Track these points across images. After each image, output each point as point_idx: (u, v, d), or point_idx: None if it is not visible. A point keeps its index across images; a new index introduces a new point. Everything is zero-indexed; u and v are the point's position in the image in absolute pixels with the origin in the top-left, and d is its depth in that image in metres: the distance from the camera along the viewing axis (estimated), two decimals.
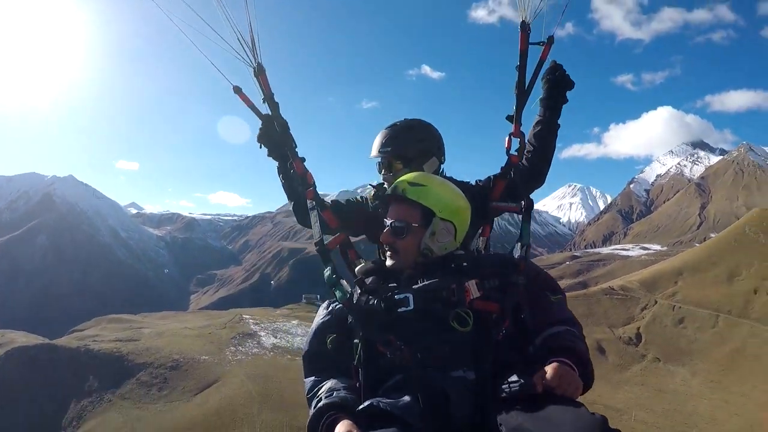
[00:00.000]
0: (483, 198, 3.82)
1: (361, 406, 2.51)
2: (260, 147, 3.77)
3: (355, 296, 3.01)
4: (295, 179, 3.75)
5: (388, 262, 3.14)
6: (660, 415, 76.17)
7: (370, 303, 2.92)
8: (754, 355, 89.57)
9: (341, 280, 3.12)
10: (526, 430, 2.19)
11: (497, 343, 2.74)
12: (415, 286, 2.91)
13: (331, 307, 3.16)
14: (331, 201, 3.99)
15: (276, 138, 3.72)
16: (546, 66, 3.68)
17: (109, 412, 66.00)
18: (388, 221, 3.15)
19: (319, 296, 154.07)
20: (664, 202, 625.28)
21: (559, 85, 3.66)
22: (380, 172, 4.07)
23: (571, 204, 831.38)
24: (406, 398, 2.49)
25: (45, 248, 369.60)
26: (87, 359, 74.24)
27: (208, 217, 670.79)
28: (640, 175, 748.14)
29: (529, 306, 2.96)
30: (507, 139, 3.73)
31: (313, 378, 2.93)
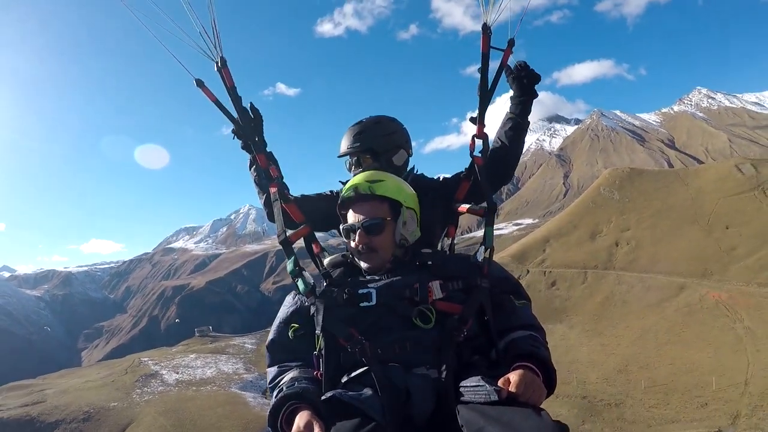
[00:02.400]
0: (449, 197, 3.86)
1: (323, 397, 2.54)
2: (233, 138, 3.75)
3: (319, 288, 3.02)
4: (259, 172, 3.77)
5: (366, 264, 3.11)
6: None
7: (334, 296, 2.92)
8: (623, 300, 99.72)
9: (303, 271, 3.11)
10: None
11: (459, 344, 2.76)
12: (378, 282, 2.96)
13: (296, 298, 3.13)
14: (301, 195, 4.02)
15: (246, 130, 3.61)
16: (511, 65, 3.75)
17: None
18: (356, 223, 3.11)
19: (211, 327, 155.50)
20: (529, 178, 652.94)
21: (528, 81, 3.74)
22: (350, 170, 4.02)
23: None
24: (368, 392, 2.52)
25: None
26: None
27: (85, 268, 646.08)
28: None
29: (492, 309, 2.97)
30: (471, 140, 3.73)
31: (276, 368, 2.93)
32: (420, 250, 3.21)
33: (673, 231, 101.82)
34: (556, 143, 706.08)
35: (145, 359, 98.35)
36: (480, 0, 3.42)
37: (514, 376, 2.40)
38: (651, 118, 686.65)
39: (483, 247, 3.22)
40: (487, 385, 2.38)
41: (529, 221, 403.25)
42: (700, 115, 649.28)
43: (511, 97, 3.86)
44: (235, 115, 3.47)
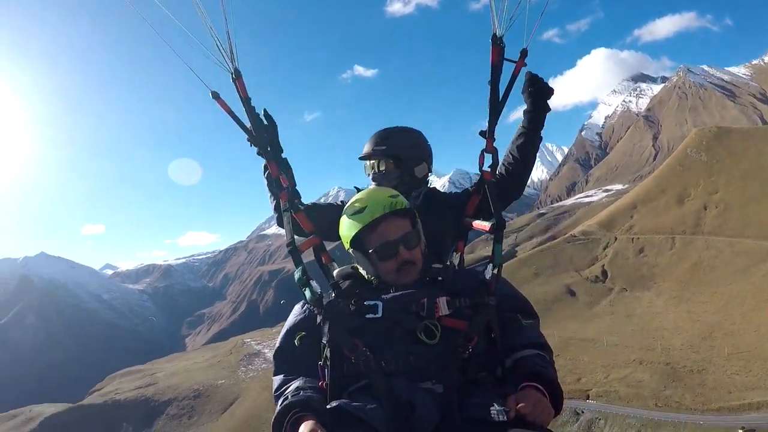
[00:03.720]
0: (460, 212, 3.79)
1: (329, 406, 2.51)
2: (250, 146, 3.60)
3: (327, 299, 2.93)
4: (270, 180, 3.65)
5: (404, 280, 2.97)
6: (628, 336, 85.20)
7: (340, 306, 2.85)
8: (710, 266, 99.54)
9: (311, 281, 3.01)
10: None
11: (465, 361, 2.70)
12: (385, 296, 2.89)
13: (305, 307, 3.07)
14: (312, 203, 3.91)
15: (260, 139, 3.55)
16: (522, 77, 3.60)
17: None
18: (394, 239, 2.96)
19: None
20: (617, 142, 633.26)
21: (539, 94, 3.65)
22: (368, 173, 3.98)
23: None
24: (373, 404, 2.47)
25: (35, 327, 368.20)
26: (116, 410, 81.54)
27: (183, 260, 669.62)
28: (589, 120, 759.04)
29: (500, 327, 2.92)
30: (480, 155, 3.52)
31: (281, 376, 2.84)
32: (431, 265, 3.12)
33: (764, 192, 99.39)
34: (643, 104, 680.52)
35: (248, 340, 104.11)
36: (491, 8, 3.32)
37: (522, 396, 2.44)
38: (740, 71, 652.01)
39: (491, 264, 3.16)
40: (495, 405, 2.39)
41: (618, 187, 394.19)
42: None
43: (524, 111, 3.77)
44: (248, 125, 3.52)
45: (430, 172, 4.11)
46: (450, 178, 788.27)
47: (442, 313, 2.80)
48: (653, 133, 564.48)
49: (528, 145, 3.78)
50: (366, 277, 3.14)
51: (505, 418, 2.29)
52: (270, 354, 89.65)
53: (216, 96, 3.38)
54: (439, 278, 3.01)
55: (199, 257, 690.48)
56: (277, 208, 3.73)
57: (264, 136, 3.49)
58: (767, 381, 57.04)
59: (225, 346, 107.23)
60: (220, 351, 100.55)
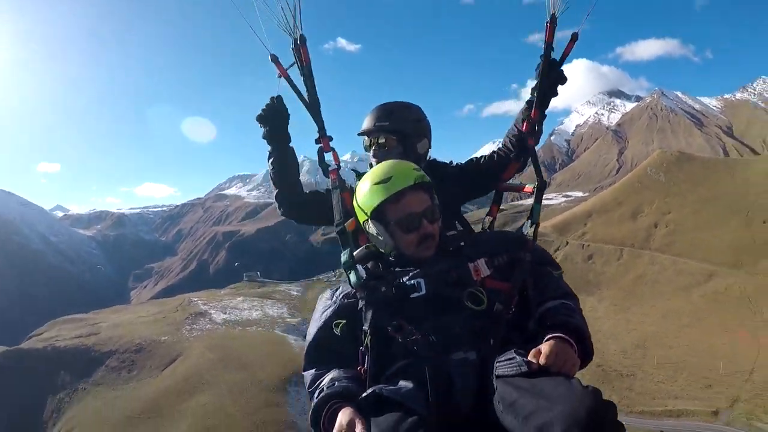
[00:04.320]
0: (473, 175, 3.99)
1: (364, 394, 2.47)
2: (260, 126, 3.66)
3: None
4: (319, 156, 3.63)
5: (425, 253, 2.96)
6: None
7: (382, 288, 2.83)
8: (653, 281, 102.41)
9: (357, 264, 3.00)
10: (520, 405, 2.22)
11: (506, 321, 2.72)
12: (421, 271, 2.88)
13: (334, 296, 3.01)
14: (315, 191, 4.04)
15: (283, 118, 3.64)
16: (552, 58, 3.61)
17: (86, 399, 73.13)
18: (415, 211, 2.93)
19: (259, 273, 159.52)
20: (584, 151, 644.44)
21: (555, 81, 3.66)
22: (369, 149, 3.93)
23: None
24: (409, 385, 2.47)
25: None
26: (55, 357, 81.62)
27: (137, 210, 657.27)
28: (560, 126, 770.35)
29: (533, 283, 2.92)
30: (524, 122, 3.70)
31: (313, 371, 2.83)
32: (445, 235, 3.12)
33: (714, 219, 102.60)
34: (615, 118, 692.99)
35: (195, 299, 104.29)
36: None
37: (545, 347, 2.42)
38: (712, 102, 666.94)
39: (529, 221, 3.28)
40: (517, 357, 2.41)
41: (578, 194, 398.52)
42: (762, 105, 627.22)
43: (533, 88, 3.74)
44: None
45: (430, 147, 4.15)
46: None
47: (484, 275, 2.87)
48: (619, 148, 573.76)
49: (538, 125, 3.80)
50: (383, 251, 3.13)
51: (527, 369, 2.35)
52: (217, 315, 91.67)
53: (275, 60, 3.45)
54: (461, 243, 3.06)
55: (154, 209, 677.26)
56: (283, 198, 3.90)
57: (319, 109, 3.57)
58: (690, 391, 60.26)
59: (171, 302, 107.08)
60: (166, 307, 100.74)
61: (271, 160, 3.80)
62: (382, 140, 3.89)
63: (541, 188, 3.47)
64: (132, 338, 79.15)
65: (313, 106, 3.48)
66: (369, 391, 2.47)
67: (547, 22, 3.50)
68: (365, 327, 2.77)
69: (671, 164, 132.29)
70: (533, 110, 3.65)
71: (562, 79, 3.70)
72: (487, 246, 3.03)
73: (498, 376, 2.40)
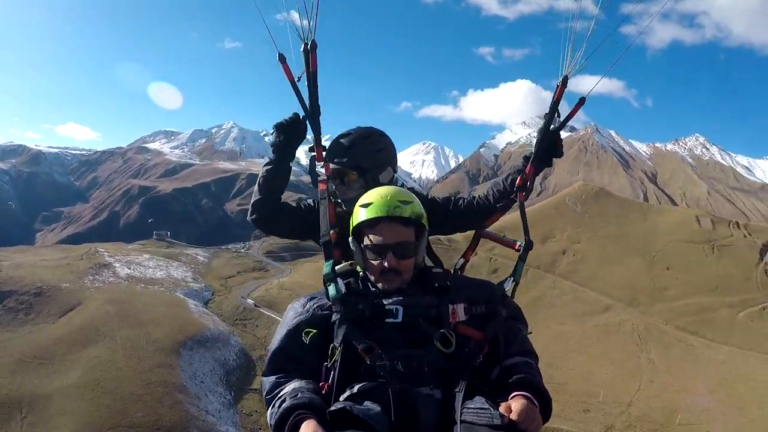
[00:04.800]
0: (444, 213, 3.94)
1: (332, 408, 2.51)
2: (275, 133, 3.65)
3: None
4: (311, 165, 3.65)
5: (387, 286, 3.02)
6: None
7: (360, 307, 2.88)
8: (551, 303, 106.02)
9: (338, 277, 3.06)
10: None
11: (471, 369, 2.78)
12: (403, 300, 2.93)
13: (308, 306, 3.05)
14: (290, 205, 4.02)
15: (300, 137, 3.67)
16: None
17: None
18: (385, 243, 2.99)
19: (169, 233, 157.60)
20: (510, 168, 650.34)
21: (552, 148, 3.83)
22: (331, 183, 3.86)
23: (423, 161, 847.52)
24: (377, 407, 2.50)
25: None
26: None
27: (55, 150, 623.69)
28: (492, 141, 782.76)
29: (503, 336, 2.98)
30: (519, 178, 3.76)
31: (273, 378, 2.85)
32: (431, 270, 3.20)
33: (619, 257, 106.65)
34: None
35: (101, 250, 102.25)
36: (565, 54, 3.48)
37: (516, 405, 2.47)
38: (642, 148, 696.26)
39: (512, 278, 3.38)
40: (491, 409, 2.46)
41: None
42: (690, 160, 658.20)
43: (525, 156, 3.87)
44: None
45: (396, 172, 4.13)
46: None
47: (459, 319, 2.91)
48: (545, 173, 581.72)
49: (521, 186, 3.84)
50: (360, 271, 3.19)
51: (500, 422, 2.39)
52: (121, 269, 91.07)
53: (282, 59, 3.39)
54: (447, 283, 3.06)
55: (73, 152, 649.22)
56: (264, 205, 3.83)
57: (318, 119, 3.58)
58: (568, 413, 62.19)
59: (77, 250, 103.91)
60: (71, 254, 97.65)
61: (268, 168, 3.79)
62: (342, 175, 3.89)
63: (528, 248, 3.61)
64: (33, 281, 76.95)
65: (314, 115, 3.53)
66: (339, 406, 2.51)
67: (558, 84, 3.66)
68: (335, 342, 2.82)
69: (589, 197, 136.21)
70: (529, 166, 3.81)
71: (559, 151, 3.91)
72: (468, 292, 3.09)
73: (464, 421, 2.44)
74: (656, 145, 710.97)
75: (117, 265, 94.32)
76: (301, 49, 3.33)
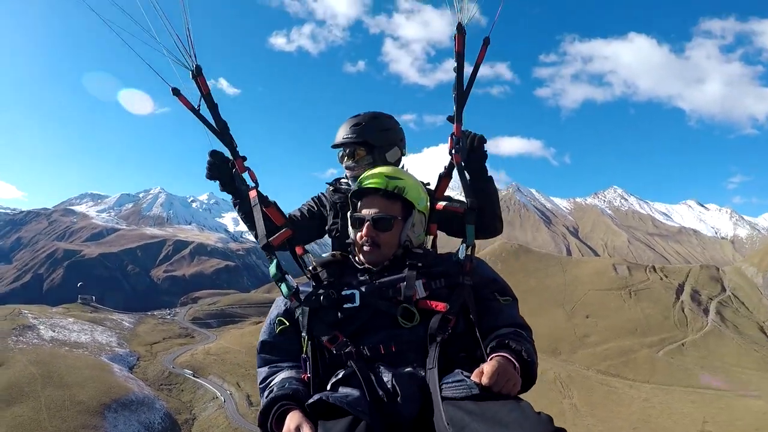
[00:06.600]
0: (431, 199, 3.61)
1: (310, 401, 2.47)
2: (213, 181, 3.62)
3: (303, 291, 3.00)
4: (237, 178, 3.54)
5: (366, 258, 3.06)
6: None
7: (318, 298, 2.89)
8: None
9: (286, 275, 3.04)
10: (473, 430, 2.16)
11: (446, 342, 2.70)
12: (364, 283, 2.96)
13: (285, 300, 3.06)
14: (289, 214, 3.96)
15: (225, 169, 3.56)
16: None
17: None
18: (366, 214, 3.06)
19: (94, 297, 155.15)
20: None
21: (478, 162, 3.65)
22: (342, 161, 4.03)
23: None
24: (355, 392, 2.47)
25: None
26: None
27: None
28: None
29: (479, 308, 2.93)
30: (450, 139, 3.55)
31: (266, 368, 2.91)
32: (412, 250, 3.14)
33: (540, 309, 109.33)
34: None
35: (26, 311, 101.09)
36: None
37: (487, 367, 2.38)
38: (563, 204, 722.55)
39: (464, 245, 3.19)
40: (467, 380, 2.39)
41: None
42: (609, 212, 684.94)
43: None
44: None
45: (403, 155, 4.18)
46: None
47: (419, 296, 2.85)
48: None
49: (480, 195, 3.61)
50: (355, 254, 3.21)
51: (478, 392, 2.33)
52: (45, 332, 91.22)
53: (177, 93, 3.35)
54: (419, 263, 3.01)
55: None
56: (244, 212, 3.68)
57: (229, 134, 3.45)
58: None
59: (0, 310, 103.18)
60: None
61: (237, 209, 3.78)
62: (351, 151, 4.00)
63: (472, 208, 3.38)
64: None
65: (222, 132, 3.44)
66: (315, 397, 2.49)
67: (454, 35, 3.44)
68: (303, 334, 2.87)
69: (509, 254, 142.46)
70: (455, 126, 3.56)
71: (485, 158, 3.68)
72: (428, 269, 3.02)
73: (446, 398, 2.39)
74: (576, 200, 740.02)
75: (41, 327, 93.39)
76: (191, 77, 3.36)
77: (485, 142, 3.65)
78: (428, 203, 3.35)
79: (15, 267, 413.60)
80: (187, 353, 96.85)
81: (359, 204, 3.18)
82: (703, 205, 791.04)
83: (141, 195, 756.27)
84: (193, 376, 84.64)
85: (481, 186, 3.67)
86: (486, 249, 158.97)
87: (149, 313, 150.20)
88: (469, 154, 3.61)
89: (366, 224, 3.05)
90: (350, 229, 3.21)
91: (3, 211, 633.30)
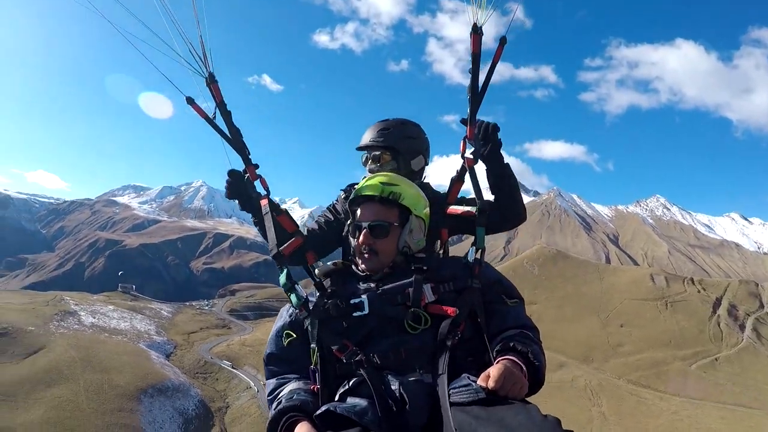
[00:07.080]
0: (441, 204, 3.63)
1: (318, 411, 2.46)
2: (233, 200, 3.58)
3: (311, 300, 2.97)
4: (248, 186, 3.47)
5: (365, 265, 3.07)
6: None
7: (327, 307, 2.86)
8: None
9: (296, 285, 3.02)
10: None
11: (455, 347, 2.66)
12: (370, 290, 2.92)
13: (291, 310, 3.06)
14: (308, 228, 3.96)
15: (244, 189, 3.51)
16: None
17: None
18: (363, 223, 3.08)
19: (134, 286, 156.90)
20: None
21: (494, 150, 3.62)
22: (365, 164, 3.98)
23: None
24: (363, 402, 2.45)
25: None
26: None
27: (24, 196, 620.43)
28: None
29: (487, 311, 2.91)
30: (462, 142, 3.52)
31: (275, 380, 2.88)
32: (414, 255, 3.13)
33: (574, 316, 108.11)
34: None
35: (67, 298, 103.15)
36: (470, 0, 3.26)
37: (493, 371, 2.37)
38: (604, 210, 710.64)
39: (474, 247, 3.16)
40: (473, 384, 2.39)
41: None
42: (650, 221, 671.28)
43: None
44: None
45: (427, 164, 4.13)
46: (311, 213, 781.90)
47: (428, 301, 2.84)
48: (508, 237, 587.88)
49: (498, 181, 3.70)
50: (356, 262, 3.22)
51: (484, 396, 2.32)
52: (86, 318, 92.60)
53: (191, 101, 3.37)
54: (425, 267, 3.00)
55: (42, 199, 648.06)
56: (259, 222, 3.60)
57: (242, 141, 3.44)
58: None
59: (42, 296, 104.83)
60: (37, 300, 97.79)
61: (257, 227, 3.70)
62: (377, 155, 3.96)
63: (483, 211, 3.35)
64: None
65: (234, 140, 3.43)
66: (323, 408, 2.49)
67: (471, 33, 3.36)
68: (312, 345, 2.84)
69: (547, 259, 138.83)
70: (468, 129, 3.54)
71: (499, 145, 3.67)
72: (436, 273, 3.01)
73: (453, 404, 2.36)
74: (618, 207, 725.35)
75: (82, 313, 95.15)
76: (205, 84, 3.37)
77: (499, 130, 3.64)
78: (428, 209, 3.33)
79: (57, 255, 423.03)
80: (223, 344, 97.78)
81: (357, 211, 3.21)
82: (746, 219, 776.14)
83: (183, 188, 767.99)
84: (231, 368, 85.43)
85: (498, 172, 3.69)
86: (525, 253, 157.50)
87: (187, 304, 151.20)
88: (484, 142, 3.62)
89: (363, 231, 3.10)
90: (351, 237, 3.23)
91: (47, 200, 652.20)
